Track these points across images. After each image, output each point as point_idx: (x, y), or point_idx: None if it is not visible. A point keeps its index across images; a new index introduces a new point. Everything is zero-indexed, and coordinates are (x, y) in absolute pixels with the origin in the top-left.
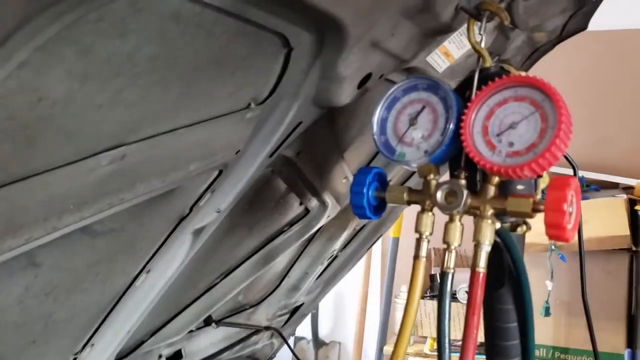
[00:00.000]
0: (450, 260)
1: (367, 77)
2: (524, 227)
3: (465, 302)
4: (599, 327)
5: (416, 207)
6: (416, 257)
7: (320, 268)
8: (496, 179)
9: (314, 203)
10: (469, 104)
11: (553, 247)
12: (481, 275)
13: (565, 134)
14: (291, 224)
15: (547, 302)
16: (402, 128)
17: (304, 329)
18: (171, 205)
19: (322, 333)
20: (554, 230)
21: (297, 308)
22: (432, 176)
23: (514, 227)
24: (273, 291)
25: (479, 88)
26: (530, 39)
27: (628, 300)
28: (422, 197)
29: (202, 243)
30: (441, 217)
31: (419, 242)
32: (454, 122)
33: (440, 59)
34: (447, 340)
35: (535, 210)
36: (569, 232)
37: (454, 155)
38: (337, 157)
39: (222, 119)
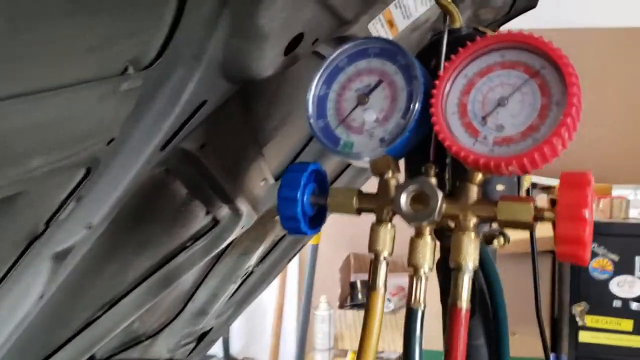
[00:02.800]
0: (420, 291)
1: (298, 39)
2: (502, 240)
3: (386, 310)
4: (523, 332)
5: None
6: (372, 288)
7: (233, 287)
8: (479, 177)
9: (224, 212)
10: (440, 74)
11: None
12: (463, 312)
13: (577, 111)
14: (195, 238)
15: None
16: (347, 108)
17: (213, 345)
18: (13, 220)
19: (234, 349)
20: (571, 247)
21: (205, 334)
22: (390, 174)
23: (488, 239)
24: (175, 317)
25: (449, 55)
26: (477, 16)
27: (551, 303)
28: (378, 203)
29: (71, 269)
30: (402, 229)
31: (375, 266)
32: (420, 98)
33: (383, 29)
34: None
35: (539, 218)
36: (589, 248)
37: (418, 144)
38: (254, 153)
39: (82, 90)
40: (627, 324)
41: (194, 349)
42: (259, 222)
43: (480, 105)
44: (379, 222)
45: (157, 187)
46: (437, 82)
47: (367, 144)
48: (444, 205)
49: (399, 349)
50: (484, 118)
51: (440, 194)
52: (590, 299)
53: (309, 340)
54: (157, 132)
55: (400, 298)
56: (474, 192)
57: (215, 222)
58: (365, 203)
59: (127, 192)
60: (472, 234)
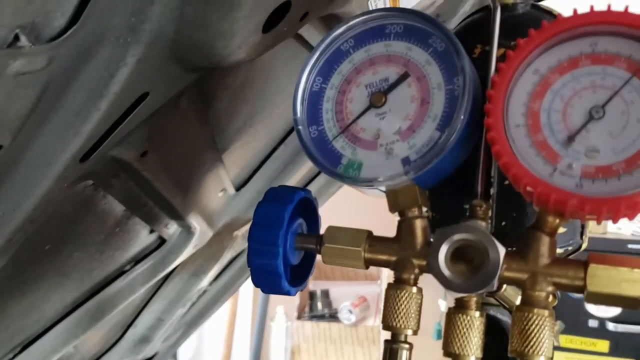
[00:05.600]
0: None
1: (282, 10)
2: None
3: (348, 323)
4: None
5: None
6: None
7: (182, 311)
8: (556, 223)
9: (172, 229)
10: (502, 67)
11: None
12: None
13: None
14: (136, 260)
15: (439, 323)
16: (353, 111)
17: None
18: None
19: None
20: None
21: None
22: (416, 211)
23: None
24: (113, 345)
25: (508, 40)
26: None
27: None
28: (400, 254)
29: None
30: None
31: (393, 352)
32: (468, 102)
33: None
34: None
35: None
36: None
37: (458, 169)
38: (211, 161)
39: None
40: (603, 345)
41: None
42: (214, 239)
43: (561, 117)
44: (400, 283)
45: (82, 206)
46: (496, 77)
47: (383, 166)
48: (505, 265)
49: None
50: (570, 138)
51: (502, 251)
52: (565, 318)
53: (264, 353)
54: (73, 137)
55: (362, 309)
56: (545, 246)
57: (161, 241)
58: (379, 252)
59: (34, 217)
60: (546, 313)
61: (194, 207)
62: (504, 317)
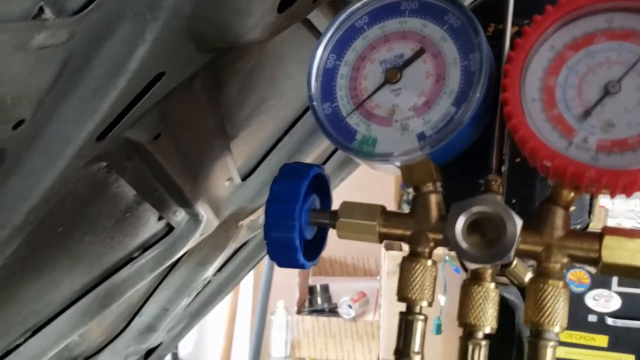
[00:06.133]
0: None
1: None
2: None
3: (347, 317)
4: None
5: None
6: (403, 354)
7: (187, 301)
8: (570, 197)
9: (180, 217)
10: (518, 42)
11: (447, 258)
12: None
13: None
14: (144, 247)
15: (439, 318)
16: (367, 88)
17: None
18: None
19: (182, 353)
20: None
21: (153, 350)
22: (431, 186)
23: None
24: (119, 335)
25: (521, 18)
26: None
27: None
28: (414, 228)
29: None
30: None
31: (408, 323)
32: (485, 78)
33: None
34: None
35: None
36: None
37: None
38: (220, 148)
39: None
40: (602, 340)
41: None
42: (220, 228)
43: (576, 92)
44: (415, 256)
45: (95, 188)
46: (512, 53)
47: (398, 141)
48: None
49: (359, 358)
50: (587, 112)
51: (519, 223)
52: None
53: (265, 347)
54: (91, 114)
55: (362, 305)
56: (560, 219)
57: (169, 228)
58: (394, 227)
59: (50, 197)
60: (560, 284)
61: (202, 195)
62: (511, 295)
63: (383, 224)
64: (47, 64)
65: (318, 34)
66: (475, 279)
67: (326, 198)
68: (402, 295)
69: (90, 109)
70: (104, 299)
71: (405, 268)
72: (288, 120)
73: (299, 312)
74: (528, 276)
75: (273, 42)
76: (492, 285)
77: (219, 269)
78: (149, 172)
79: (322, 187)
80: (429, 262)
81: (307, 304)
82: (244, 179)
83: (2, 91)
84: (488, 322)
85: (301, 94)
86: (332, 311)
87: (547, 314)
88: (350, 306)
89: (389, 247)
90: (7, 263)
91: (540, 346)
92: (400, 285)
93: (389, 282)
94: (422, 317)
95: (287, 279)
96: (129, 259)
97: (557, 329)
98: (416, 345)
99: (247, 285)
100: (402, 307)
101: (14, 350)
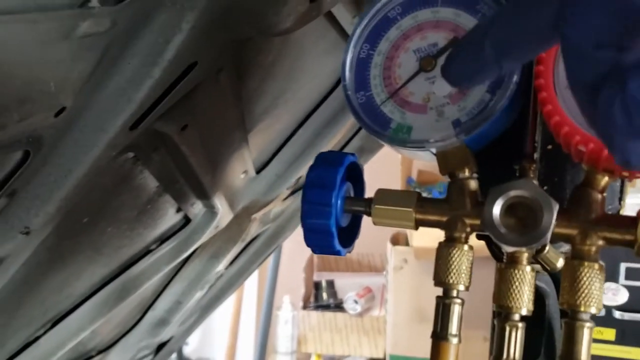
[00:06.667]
0: (514, 346)
1: None
2: None
3: (353, 313)
4: (467, 337)
5: None
6: (441, 337)
7: (200, 294)
8: (604, 181)
9: (197, 209)
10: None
11: None
12: None
13: None
14: (162, 240)
15: None
16: (401, 77)
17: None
18: None
19: (187, 348)
20: None
21: (164, 344)
22: (466, 172)
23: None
24: (132, 328)
25: None
26: None
27: None
28: (450, 214)
29: (5, 283)
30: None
31: (445, 306)
32: (519, 65)
33: None
34: None
35: None
36: None
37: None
38: (239, 140)
39: (12, 25)
40: (610, 333)
41: None
42: (233, 221)
43: None
44: (451, 241)
45: (121, 179)
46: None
47: (434, 128)
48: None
49: (366, 354)
50: None
51: (556, 206)
52: None
53: (271, 342)
54: (127, 103)
55: (368, 300)
56: (596, 202)
57: (186, 220)
58: (430, 213)
59: (81, 187)
60: (596, 265)
61: (220, 187)
62: (541, 283)
63: (419, 210)
64: (89, 51)
65: (338, 26)
66: (512, 262)
67: (359, 187)
68: (439, 280)
69: (125, 98)
70: (121, 292)
71: (442, 254)
72: (302, 114)
73: (304, 307)
74: (560, 262)
75: (294, 35)
76: (529, 268)
77: (231, 262)
78: (173, 163)
79: (356, 176)
80: (466, 247)
81: (312, 299)
82: (258, 172)
83: (47, 76)
84: (525, 304)
85: (315, 87)
86: (338, 306)
87: (583, 295)
88: (356, 301)
89: (394, 242)
90: (35, 252)
91: (577, 327)
92: (437, 270)
93: (395, 277)
94: (459, 300)
95: (293, 275)
96: (146, 252)
97: (593, 310)
98: (454, 328)
99: (252, 280)
100: (409, 303)
101: (34, 342)
